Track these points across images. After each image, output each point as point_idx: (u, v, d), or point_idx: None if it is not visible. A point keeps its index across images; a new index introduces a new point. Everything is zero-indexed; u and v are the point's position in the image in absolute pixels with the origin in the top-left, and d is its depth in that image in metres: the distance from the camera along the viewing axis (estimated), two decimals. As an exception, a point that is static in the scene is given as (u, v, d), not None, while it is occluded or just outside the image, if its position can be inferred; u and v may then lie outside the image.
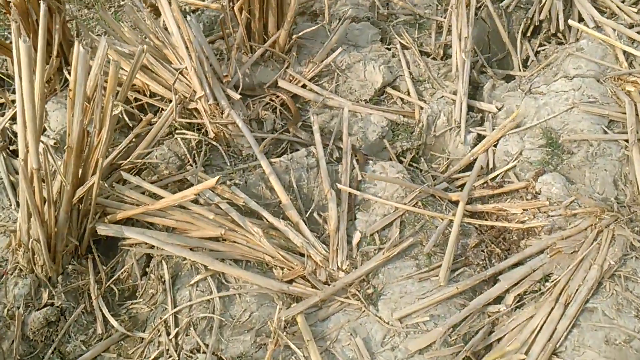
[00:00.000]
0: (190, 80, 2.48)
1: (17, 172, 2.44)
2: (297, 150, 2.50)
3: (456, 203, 2.35)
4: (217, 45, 2.95)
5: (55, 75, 2.52)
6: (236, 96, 2.49)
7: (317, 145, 2.43)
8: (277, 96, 2.67)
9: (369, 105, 2.65)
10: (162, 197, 2.09)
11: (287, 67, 2.73)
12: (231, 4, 2.64)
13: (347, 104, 2.63)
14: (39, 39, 1.77)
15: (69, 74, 2.59)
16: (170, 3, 2.56)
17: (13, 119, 2.55)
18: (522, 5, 3.08)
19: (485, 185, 2.46)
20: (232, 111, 2.43)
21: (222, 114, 2.46)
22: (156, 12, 3.06)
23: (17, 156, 2.48)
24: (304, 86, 2.71)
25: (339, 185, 2.30)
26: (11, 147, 2.57)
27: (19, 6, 2.25)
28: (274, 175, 2.28)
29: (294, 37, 2.72)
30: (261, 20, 2.64)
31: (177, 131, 2.44)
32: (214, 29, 3.09)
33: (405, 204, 2.26)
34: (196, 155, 2.38)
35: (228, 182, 2.26)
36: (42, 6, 1.84)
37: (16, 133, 2.55)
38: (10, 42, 2.55)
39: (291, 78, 2.72)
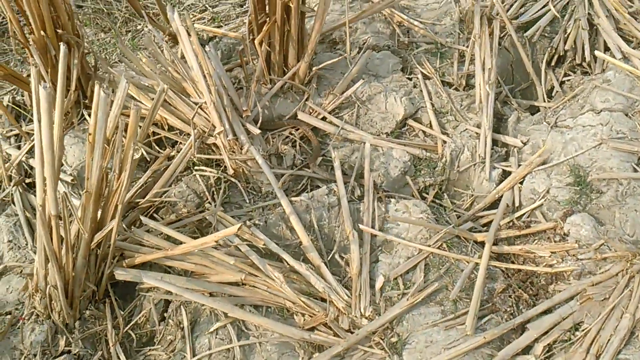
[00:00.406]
0: (209, 114, 2.44)
1: (33, 208, 2.40)
2: (318, 186, 2.44)
3: (482, 244, 2.29)
4: (235, 74, 2.90)
5: (72, 109, 2.48)
6: (256, 131, 2.44)
7: (339, 183, 2.37)
8: (297, 129, 2.62)
9: (391, 139, 2.59)
10: (181, 240, 2.04)
11: (306, 99, 2.68)
12: (251, 35, 2.59)
13: (368, 137, 2.57)
14: (58, 82, 1.73)
15: (86, 107, 2.57)
16: (189, 34, 2.52)
17: (29, 152, 2.52)
18: (546, 34, 3.00)
19: (511, 224, 2.39)
20: (251, 147, 2.38)
21: (241, 149, 2.41)
22: (174, 39, 3.02)
23: (33, 189, 2.47)
24: (323, 119, 2.65)
25: (360, 226, 2.24)
26: (27, 180, 2.53)
27: (38, 42, 2.21)
28: (295, 215, 2.23)
29: (314, 68, 2.67)
30: (281, 52, 2.59)
31: (195, 167, 2.39)
32: (232, 56, 3.05)
33: (429, 245, 2.20)
34: (215, 193, 2.33)
35: (248, 223, 2.21)
36: (62, 48, 1.80)
37: (32, 167, 2.53)
38: (28, 76, 2.53)
39: (311, 110, 2.66)
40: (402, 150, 2.56)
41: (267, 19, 2.47)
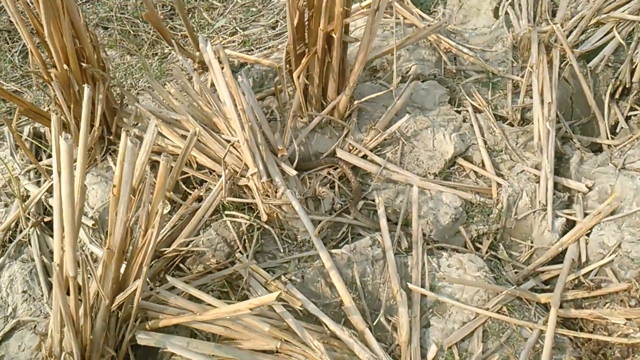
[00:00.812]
0: (242, 153, 2.23)
1: (51, 252, 2.23)
2: (359, 234, 2.22)
3: (545, 305, 2.03)
4: (267, 103, 2.70)
5: (96, 145, 2.30)
6: (292, 172, 2.23)
7: (383, 232, 2.13)
8: (335, 168, 2.39)
9: (439, 182, 2.34)
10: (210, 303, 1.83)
11: (346, 135, 2.46)
12: (288, 66, 2.38)
13: (414, 179, 2.33)
14: (80, 136, 1.54)
15: (110, 143, 2.39)
16: (221, 63, 2.32)
17: (48, 190, 2.35)
18: (610, 64, 2.73)
19: (577, 283, 2.12)
20: (287, 191, 2.16)
21: (275, 192, 2.19)
22: (204, 66, 2.84)
23: (51, 230, 2.29)
24: (364, 157, 2.42)
25: (410, 285, 2.00)
26: (46, 219, 2.36)
27: (60, 77, 2.03)
28: (335, 270, 2.00)
29: (355, 102, 2.45)
30: (320, 85, 2.37)
31: (225, 212, 2.18)
32: (265, 83, 2.85)
33: (487, 309, 1.95)
34: (247, 241, 2.12)
35: (283, 278, 1.99)
36: (86, 91, 1.61)
37: (52, 206, 2.35)
38: (48, 110, 2.36)
39: (350, 147, 2.44)
40: (453, 194, 2.31)
41: (307, 50, 2.26)
